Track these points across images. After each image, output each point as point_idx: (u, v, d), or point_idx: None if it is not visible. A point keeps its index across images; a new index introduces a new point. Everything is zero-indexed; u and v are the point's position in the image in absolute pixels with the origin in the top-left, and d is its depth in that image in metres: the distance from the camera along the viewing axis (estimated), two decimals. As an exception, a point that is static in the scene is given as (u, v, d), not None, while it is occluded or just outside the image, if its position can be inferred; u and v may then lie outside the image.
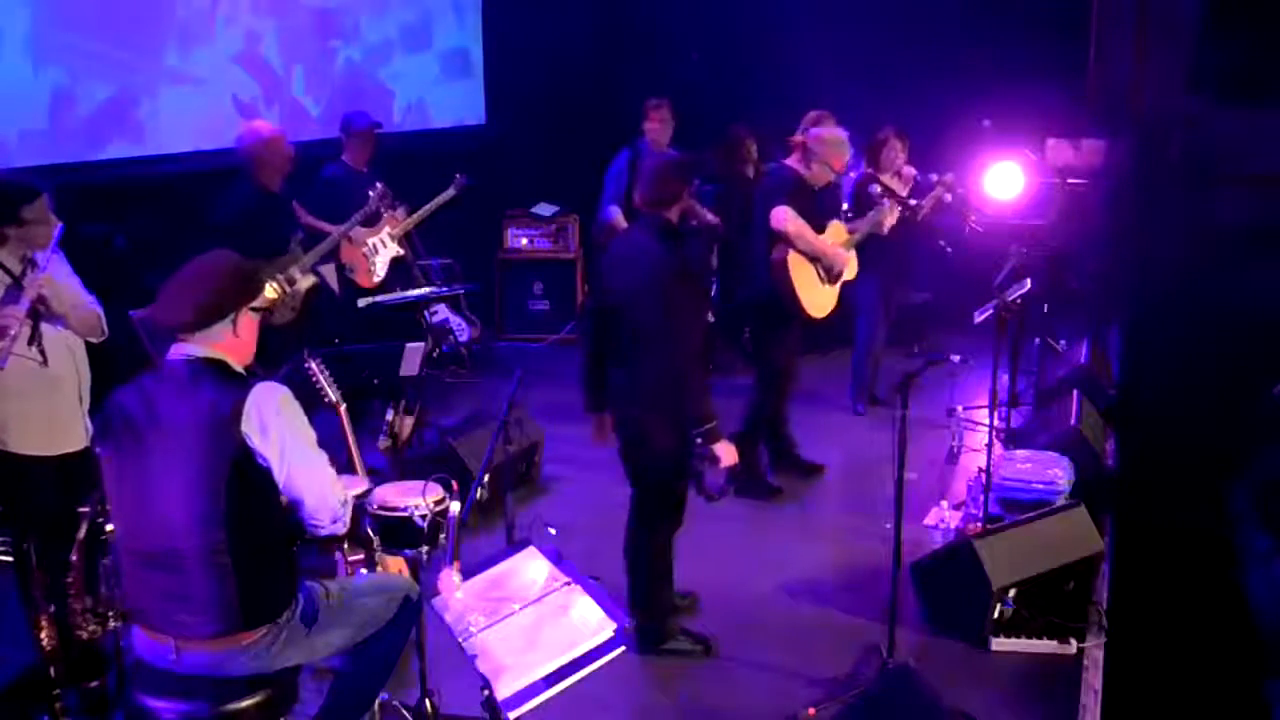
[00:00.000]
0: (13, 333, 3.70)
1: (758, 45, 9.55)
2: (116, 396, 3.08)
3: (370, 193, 6.20)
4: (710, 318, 5.90)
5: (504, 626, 3.10)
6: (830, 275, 5.93)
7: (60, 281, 3.93)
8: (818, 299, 5.86)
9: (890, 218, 6.46)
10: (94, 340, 4.08)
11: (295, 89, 7.56)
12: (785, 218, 5.63)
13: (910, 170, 6.97)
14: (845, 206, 6.95)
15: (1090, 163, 9.38)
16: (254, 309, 3.13)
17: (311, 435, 3.08)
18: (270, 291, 5.46)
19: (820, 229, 5.86)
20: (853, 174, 7.18)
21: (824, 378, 7.43)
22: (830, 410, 7.18)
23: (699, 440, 4.16)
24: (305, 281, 5.71)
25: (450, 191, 6.85)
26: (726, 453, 4.23)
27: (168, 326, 3.06)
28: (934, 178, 7.01)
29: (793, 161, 5.83)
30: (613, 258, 4.45)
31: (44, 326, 3.85)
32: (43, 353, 3.84)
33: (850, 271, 6.09)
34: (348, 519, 3.19)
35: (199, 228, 5.28)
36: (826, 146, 5.71)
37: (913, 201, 6.76)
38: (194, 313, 3.03)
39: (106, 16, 6.12)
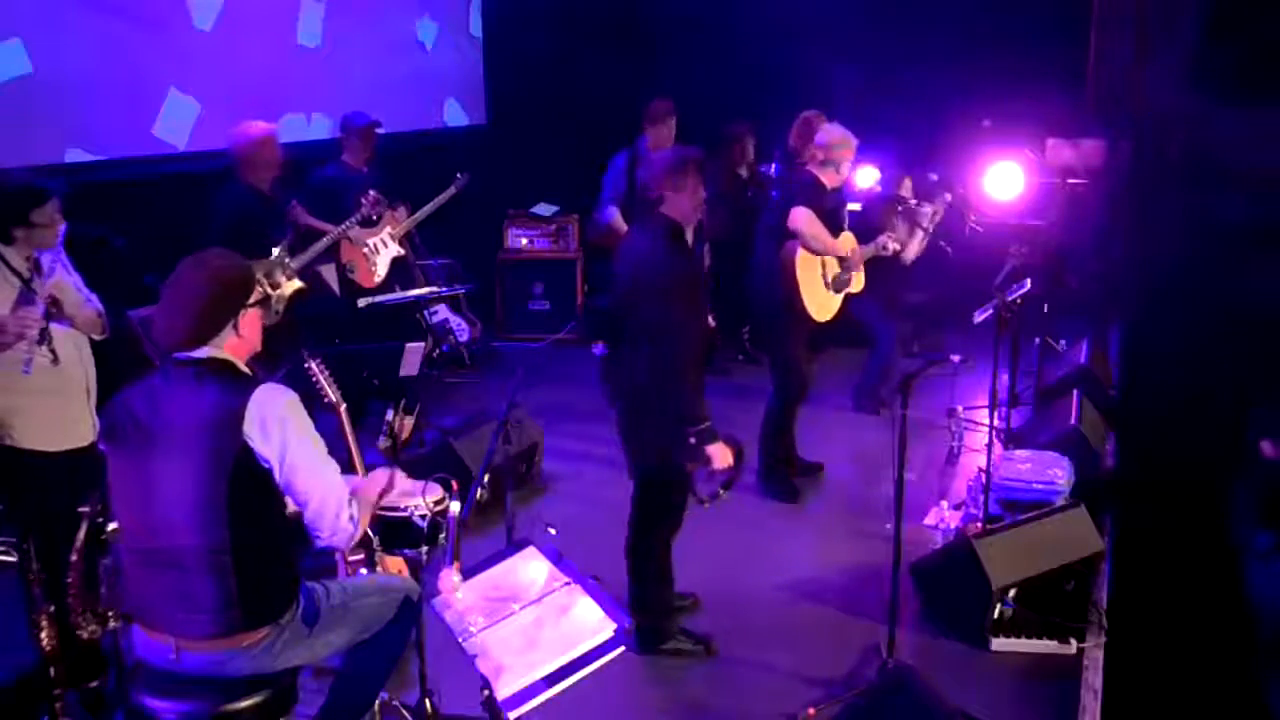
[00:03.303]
0: (34, 336, 3.76)
1: (757, 45, 9.55)
2: (123, 396, 3.08)
3: (363, 199, 6.19)
4: (712, 321, 5.88)
5: (504, 626, 3.10)
6: (836, 282, 5.95)
7: (64, 282, 3.98)
8: (821, 302, 5.88)
9: (893, 242, 6.40)
10: (96, 337, 4.12)
11: (295, 89, 7.56)
12: (802, 217, 5.67)
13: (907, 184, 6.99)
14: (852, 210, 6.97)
15: (1090, 163, 9.38)
16: (252, 304, 3.12)
17: (317, 440, 3.07)
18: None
19: (834, 235, 5.90)
20: (879, 188, 7.20)
21: (822, 378, 7.42)
22: (830, 410, 7.18)
23: (693, 440, 4.14)
24: (290, 286, 5.66)
25: (451, 190, 6.85)
26: (720, 455, 4.19)
27: (172, 347, 3.05)
28: (933, 177, 7.01)
29: (813, 168, 5.86)
30: (618, 257, 4.45)
31: (52, 326, 3.89)
32: (53, 351, 3.88)
33: (857, 285, 6.11)
34: (351, 533, 3.16)
35: (194, 229, 5.28)
36: (835, 149, 5.77)
37: (925, 226, 6.77)
38: (194, 330, 3.03)
39: (108, 15, 6.12)
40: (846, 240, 6.05)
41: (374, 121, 6.61)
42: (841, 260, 5.95)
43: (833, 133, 5.82)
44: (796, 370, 5.93)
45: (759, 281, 5.92)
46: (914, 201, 6.79)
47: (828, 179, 5.80)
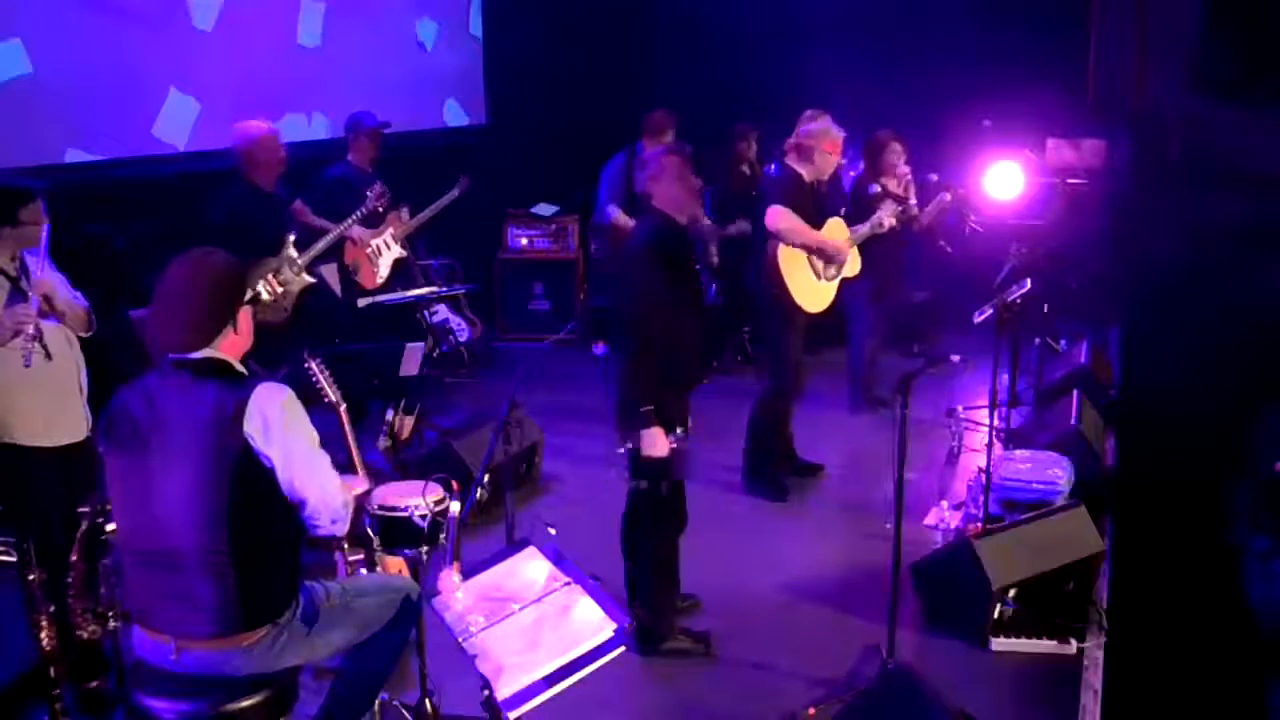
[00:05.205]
0: (31, 332, 3.80)
1: (758, 46, 9.57)
2: (120, 396, 3.08)
3: (369, 192, 6.18)
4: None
5: (504, 626, 3.10)
6: (827, 271, 5.94)
7: (52, 280, 4.01)
8: (812, 294, 5.87)
9: (890, 217, 6.43)
10: (84, 335, 4.14)
11: (295, 89, 7.56)
12: (778, 216, 5.68)
13: (905, 170, 6.95)
14: (843, 211, 6.96)
15: (1090, 163, 9.39)
16: (248, 301, 3.13)
17: (314, 436, 3.07)
18: (263, 293, 5.45)
19: (818, 227, 5.88)
20: (852, 173, 7.20)
21: (821, 378, 7.43)
22: (829, 410, 7.17)
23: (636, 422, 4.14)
24: (298, 282, 5.67)
25: (454, 192, 6.84)
26: (653, 441, 4.17)
27: (170, 348, 3.05)
28: (933, 177, 7.01)
29: (792, 161, 5.86)
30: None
31: (43, 322, 3.91)
32: (45, 347, 3.90)
33: (852, 268, 6.10)
34: (349, 521, 3.19)
35: (195, 228, 5.29)
36: (817, 138, 5.76)
37: (913, 203, 6.76)
38: (195, 332, 3.02)
39: (108, 15, 6.12)
40: (833, 228, 6.03)
41: (383, 123, 6.61)
42: (828, 250, 5.92)
43: (814, 124, 5.81)
44: (788, 366, 5.92)
45: (751, 280, 5.95)
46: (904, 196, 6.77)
47: (806, 171, 5.79)
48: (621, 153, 7.70)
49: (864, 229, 6.23)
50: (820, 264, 5.91)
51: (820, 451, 6.41)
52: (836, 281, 6.02)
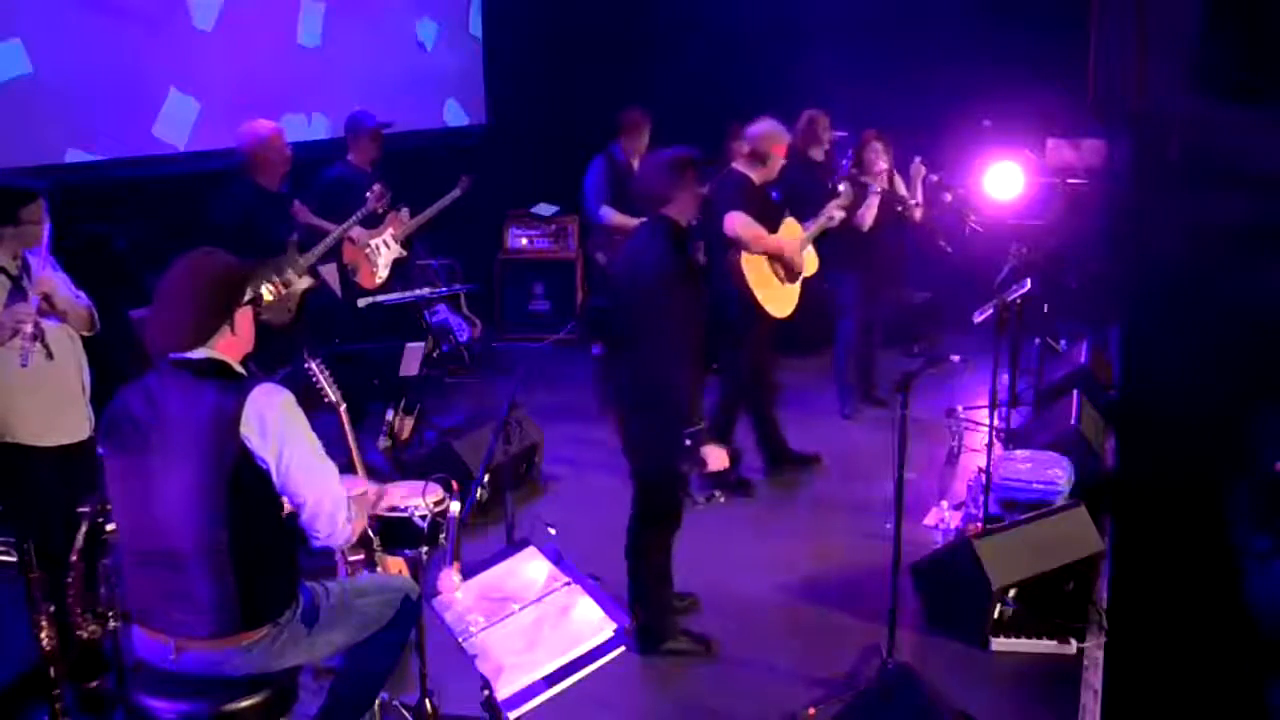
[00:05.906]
0: (30, 331, 3.80)
1: (758, 47, 9.56)
2: (121, 396, 3.08)
3: (368, 194, 6.18)
4: None
5: (504, 626, 3.11)
6: (789, 273, 5.92)
7: (53, 279, 4.01)
8: (777, 298, 5.87)
9: (838, 210, 6.38)
10: (87, 334, 4.15)
11: (295, 89, 7.56)
12: (736, 223, 5.65)
13: (883, 167, 6.90)
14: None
15: (1090, 163, 9.39)
16: (247, 302, 3.13)
17: (313, 440, 3.06)
18: (266, 294, 5.44)
19: (774, 228, 5.87)
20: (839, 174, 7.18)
21: (820, 379, 7.43)
22: (826, 412, 7.16)
23: (688, 442, 4.14)
24: (301, 282, 5.66)
25: (455, 193, 6.84)
26: (715, 457, 4.20)
27: (168, 348, 3.04)
28: (933, 178, 7.00)
29: (739, 165, 5.83)
30: (620, 256, 4.45)
31: (44, 322, 3.92)
32: (46, 347, 3.92)
33: (809, 269, 6.08)
34: (349, 534, 3.17)
35: (198, 227, 5.29)
36: (764, 140, 5.74)
37: (913, 201, 6.74)
38: (190, 331, 3.02)
39: (108, 15, 6.13)
40: (789, 229, 6.01)
41: (383, 123, 6.60)
42: (785, 253, 5.89)
43: (762, 126, 5.78)
44: (757, 371, 5.91)
45: (717, 284, 5.93)
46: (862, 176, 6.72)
47: (757, 175, 5.77)
48: (600, 156, 7.66)
49: (811, 226, 6.17)
50: (782, 268, 5.89)
51: (819, 452, 6.40)
52: (799, 283, 6.00)
